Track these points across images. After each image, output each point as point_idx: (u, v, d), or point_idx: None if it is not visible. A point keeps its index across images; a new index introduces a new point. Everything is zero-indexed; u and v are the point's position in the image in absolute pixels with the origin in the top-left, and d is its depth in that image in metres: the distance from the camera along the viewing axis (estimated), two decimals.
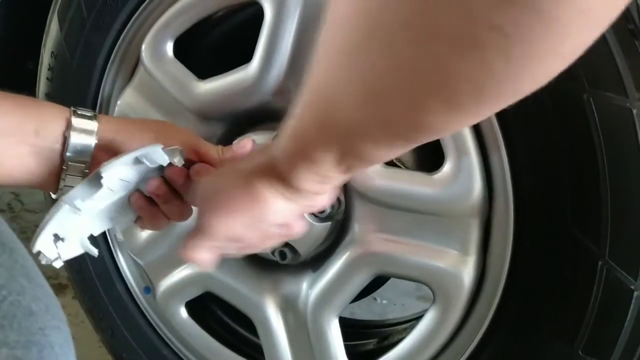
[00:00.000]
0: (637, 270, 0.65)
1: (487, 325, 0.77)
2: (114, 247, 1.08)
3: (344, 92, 0.41)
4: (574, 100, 0.63)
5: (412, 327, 0.85)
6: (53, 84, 1.06)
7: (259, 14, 0.83)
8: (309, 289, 0.89)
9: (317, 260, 0.89)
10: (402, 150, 0.46)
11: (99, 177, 0.60)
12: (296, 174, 0.51)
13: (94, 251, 0.64)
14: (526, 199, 0.70)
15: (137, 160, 0.61)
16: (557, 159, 0.66)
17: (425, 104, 0.37)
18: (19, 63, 1.20)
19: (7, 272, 0.54)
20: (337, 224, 0.86)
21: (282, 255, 0.90)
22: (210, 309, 1.10)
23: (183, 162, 0.63)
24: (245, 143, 0.68)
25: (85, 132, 0.62)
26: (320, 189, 0.54)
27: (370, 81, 0.38)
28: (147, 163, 0.61)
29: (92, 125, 0.63)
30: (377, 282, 1.26)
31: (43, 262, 0.62)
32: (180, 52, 0.95)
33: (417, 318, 0.85)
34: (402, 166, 0.82)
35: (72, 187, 0.62)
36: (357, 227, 0.84)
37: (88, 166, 0.63)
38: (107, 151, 0.63)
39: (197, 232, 0.59)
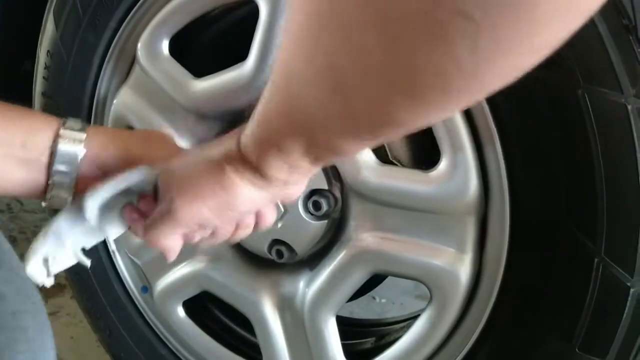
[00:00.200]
0: (633, 266, 0.64)
1: (484, 323, 0.77)
2: (111, 247, 1.08)
3: (305, 83, 0.39)
4: (569, 96, 0.62)
5: (409, 326, 0.85)
6: (49, 83, 1.06)
7: (255, 12, 0.83)
8: (306, 287, 0.89)
9: (314, 258, 0.89)
10: (373, 143, 0.45)
11: (83, 211, 0.60)
12: (265, 162, 0.51)
13: (87, 262, 0.64)
14: (522, 196, 0.70)
15: (123, 188, 0.62)
16: (552, 155, 0.66)
17: (388, 96, 0.35)
18: (16, 62, 1.20)
19: None
20: (334, 222, 0.85)
21: (279, 254, 0.90)
22: (207, 308, 1.10)
23: None
24: None
25: (73, 146, 0.62)
26: (290, 178, 0.53)
27: (331, 73, 0.36)
28: (134, 189, 0.62)
29: (80, 138, 0.62)
30: (375, 281, 1.26)
31: (36, 282, 0.62)
32: (176, 50, 0.95)
33: (415, 317, 0.85)
34: (399, 164, 0.82)
35: (59, 195, 0.62)
36: (354, 225, 0.84)
37: (74, 178, 0.62)
38: (94, 164, 0.63)
39: (163, 217, 0.58)
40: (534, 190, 0.69)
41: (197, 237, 0.61)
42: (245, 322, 0.99)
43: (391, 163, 0.81)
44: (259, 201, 0.56)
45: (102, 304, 1.11)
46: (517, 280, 0.73)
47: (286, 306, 0.91)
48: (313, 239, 0.86)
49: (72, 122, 0.63)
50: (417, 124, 0.39)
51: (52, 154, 0.61)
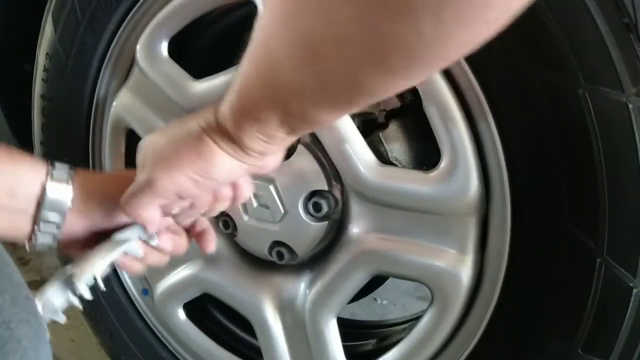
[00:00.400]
0: (636, 267, 0.64)
1: (486, 324, 0.76)
2: None
3: (282, 51, 0.42)
4: (569, 95, 0.62)
5: (410, 327, 0.84)
6: (48, 85, 1.05)
7: (254, 13, 0.83)
8: (307, 289, 0.89)
9: (315, 260, 0.89)
10: (343, 112, 0.48)
11: (74, 287, 0.62)
12: (242, 132, 0.52)
13: (78, 303, 0.65)
14: (523, 197, 0.69)
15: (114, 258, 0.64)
16: (553, 155, 0.66)
17: (359, 65, 0.39)
18: (16, 65, 1.20)
19: None
20: (334, 223, 0.85)
21: (280, 255, 0.89)
22: (208, 311, 1.09)
23: (156, 240, 0.66)
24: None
25: (60, 195, 0.62)
26: (266, 149, 0.54)
27: (306, 41, 0.39)
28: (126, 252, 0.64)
29: (68, 189, 0.63)
30: (376, 282, 1.25)
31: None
32: (175, 52, 0.94)
33: (416, 318, 0.84)
34: (399, 164, 0.81)
35: (44, 242, 0.64)
36: (354, 227, 0.84)
37: (60, 226, 0.63)
38: (80, 211, 0.64)
39: (142, 187, 0.59)
40: (535, 190, 0.68)
41: (175, 209, 0.62)
42: (246, 324, 0.99)
43: (391, 164, 0.81)
44: (236, 171, 0.57)
45: (103, 307, 1.11)
46: (519, 281, 0.73)
47: (287, 308, 0.91)
48: (313, 241, 0.85)
49: (59, 169, 0.63)
50: (386, 91, 0.43)
51: (39, 203, 0.62)
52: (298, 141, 0.82)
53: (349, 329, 1.04)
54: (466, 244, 0.75)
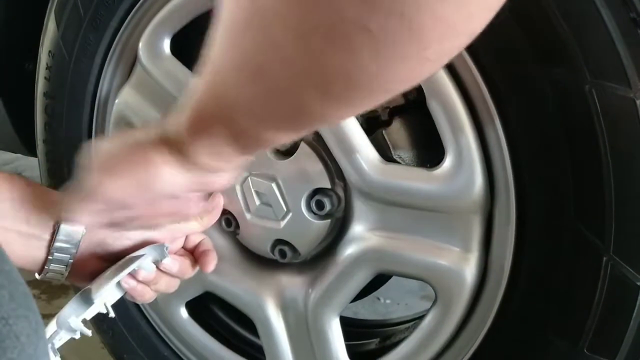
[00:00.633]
0: None
1: (490, 323, 0.76)
2: None
3: (230, 68, 0.42)
4: (576, 91, 0.61)
5: (414, 327, 0.84)
6: (51, 83, 1.05)
7: None
8: (310, 288, 0.88)
9: (317, 258, 0.88)
10: (293, 133, 0.48)
11: (90, 302, 0.64)
12: (191, 146, 0.52)
13: (88, 332, 0.67)
14: (528, 194, 0.69)
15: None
16: (559, 152, 0.65)
17: (302, 88, 0.39)
18: (19, 63, 1.20)
19: None
20: (337, 221, 0.85)
21: (282, 254, 0.89)
22: (210, 309, 1.09)
23: (169, 259, 0.67)
24: (217, 202, 0.72)
25: (74, 227, 0.64)
26: (217, 166, 0.54)
27: (251, 59, 0.40)
28: (138, 270, 0.65)
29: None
30: (379, 281, 1.25)
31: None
32: (178, 49, 0.94)
33: (420, 317, 0.84)
34: (402, 162, 0.81)
35: (57, 270, 0.65)
36: (357, 225, 0.83)
37: (74, 254, 0.65)
38: (93, 240, 0.66)
39: (84, 193, 0.59)
40: (541, 188, 0.68)
41: (119, 219, 0.62)
42: (248, 323, 0.99)
43: (395, 161, 0.80)
44: (179, 185, 0.57)
45: None
46: (524, 280, 0.72)
47: (289, 307, 0.91)
48: (316, 239, 0.85)
49: None
50: (331, 118, 0.43)
51: (54, 232, 0.63)
52: (301, 139, 0.82)
53: (352, 328, 1.04)
54: (470, 242, 0.75)
